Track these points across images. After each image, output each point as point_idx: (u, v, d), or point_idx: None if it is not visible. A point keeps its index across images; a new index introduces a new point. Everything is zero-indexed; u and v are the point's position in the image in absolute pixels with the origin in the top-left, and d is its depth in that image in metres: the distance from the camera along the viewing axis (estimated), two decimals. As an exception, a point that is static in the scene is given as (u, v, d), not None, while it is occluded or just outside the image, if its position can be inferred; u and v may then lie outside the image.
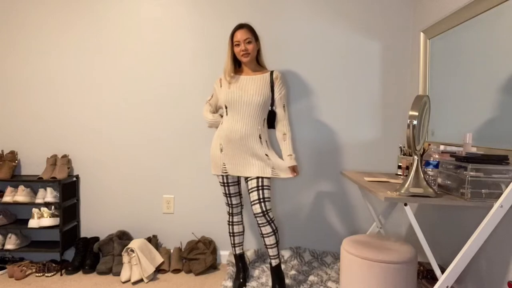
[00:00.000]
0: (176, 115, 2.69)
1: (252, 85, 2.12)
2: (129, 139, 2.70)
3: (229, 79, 2.16)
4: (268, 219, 2.08)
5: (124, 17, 2.65)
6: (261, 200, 2.07)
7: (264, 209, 2.07)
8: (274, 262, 2.15)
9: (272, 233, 2.10)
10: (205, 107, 2.30)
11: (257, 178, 2.10)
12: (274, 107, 2.19)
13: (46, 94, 2.68)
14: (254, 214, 2.09)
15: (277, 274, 2.16)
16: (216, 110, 2.31)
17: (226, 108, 2.15)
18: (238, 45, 2.10)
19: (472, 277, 1.88)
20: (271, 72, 2.17)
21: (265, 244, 2.13)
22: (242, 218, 2.34)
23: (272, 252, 2.13)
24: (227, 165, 2.16)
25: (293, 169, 2.17)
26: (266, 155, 2.12)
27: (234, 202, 2.27)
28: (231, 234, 2.32)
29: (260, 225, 2.10)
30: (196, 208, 2.73)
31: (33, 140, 2.69)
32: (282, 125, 2.19)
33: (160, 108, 2.68)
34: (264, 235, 2.11)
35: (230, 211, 2.30)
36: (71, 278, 2.41)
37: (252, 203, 2.10)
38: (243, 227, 2.35)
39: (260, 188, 2.09)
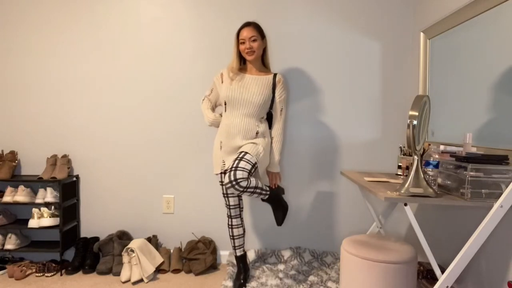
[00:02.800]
0: (176, 115, 2.68)
1: (255, 85, 2.12)
2: (129, 139, 2.70)
3: (232, 76, 2.15)
4: (240, 189, 1.93)
5: (124, 17, 2.65)
6: (233, 168, 1.94)
7: (232, 178, 1.91)
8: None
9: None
10: (204, 104, 2.28)
11: (240, 152, 2.05)
12: (272, 110, 2.20)
13: (46, 94, 2.68)
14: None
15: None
16: (215, 105, 2.30)
17: (225, 104, 2.15)
18: (243, 43, 2.10)
19: (472, 277, 1.88)
20: (274, 75, 2.18)
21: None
22: (242, 221, 2.32)
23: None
24: (226, 161, 2.16)
25: (272, 175, 2.19)
26: (258, 143, 2.10)
27: (231, 202, 2.25)
28: (231, 237, 2.31)
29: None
30: (196, 208, 2.72)
31: (33, 140, 2.69)
32: (275, 129, 2.20)
33: (160, 108, 2.68)
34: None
35: (229, 213, 2.28)
36: (71, 278, 2.41)
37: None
38: (244, 229, 2.34)
39: (238, 159, 1.99)
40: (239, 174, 1.92)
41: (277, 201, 2.17)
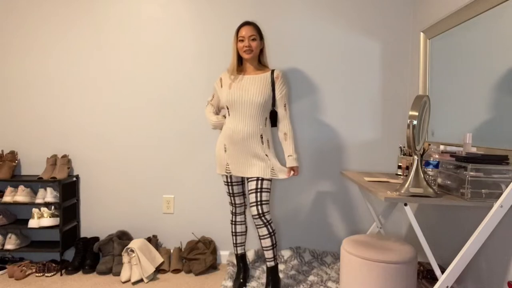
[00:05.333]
0: (176, 115, 2.68)
1: (253, 85, 2.12)
2: (129, 139, 2.70)
3: (233, 78, 2.15)
4: (265, 221, 2.08)
5: (124, 17, 2.65)
6: (259, 202, 2.08)
7: (260, 211, 2.07)
8: (269, 265, 2.15)
9: (268, 235, 2.10)
10: (207, 109, 2.30)
11: (257, 180, 2.10)
12: (275, 107, 2.18)
13: (46, 94, 2.68)
14: (252, 215, 2.11)
15: (272, 276, 2.16)
16: (218, 110, 2.31)
17: (228, 108, 2.15)
18: (242, 40, 2.10)
19: (472, 277, 1.88)
20: (272, 71, 2.16)
21: (262, 246, 2.14)
22: (245, 218, 2.33)
23: (268, 254, 2.13)
24: (230, 165, 2.16)
25: (292, 169, 2.16)
26: (266, 155, 2.12)
27: (237, 201, 2.27)
28: (233, 234, 2.32)
29: (257, 227, 2.11)
30: (196, 208, 2.73)
31: (33, 140, 2.69)
32: (283, 125, 2.18)
33: (160, 108, 2.68)
34: (261, 237, 2.11)
35: (233, 211, 2.30)
36: (71, 278, 2.41)
37: (250, 205, 2.11)
38: (246, 227, 2.35)
39: (258, 190, 2.09)
40: (265, 208, 2.10)
41: (275, 281, 2.17)
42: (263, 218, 2.08)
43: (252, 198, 2.10)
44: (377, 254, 1.81)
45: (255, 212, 2.08)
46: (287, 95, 2.20)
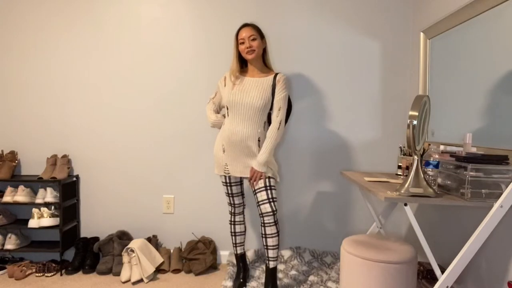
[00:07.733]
0: (176, 116, 2.68)
1: (255, 88, 2.11)
2: (130, 139, 2.70)
3: (234, 80, 2.15)
4: (276, 219, 2.09)
5: (124, 17, 2.65)
6: (270, 200, 2.08)
7: (274, 208, 2.07)
8: (272, 264, 2.15)
9: (276, 234, 2.10)
10: (208, 106, 2.29)
11: (264, 178, 2.10)
12: (271, 110, 2.17)
13: (46, 94, 2.68)
14: (263, 213, 2.07)
15: (271, 276, 2.16)
16: (219, 108, 2.30)
17: (227, 108, 2.15)
18: (243, 43, 2.09)
19: (472, 277, 1.88)
20: (276, 75, 2.13)
21: (267, 245, 2.12)
22: (244, 218, 2.34)
23: (272, 253, 2.13)
24: (229, 166, 2.16)
25: (256, 174, 2.07)
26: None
27: (236, 202, 2.27)
28: (233, 234, 2.32)
29: (266, 225, 2.09)
30: (196, 208, 2.73)
31: (33, 140, 2.69)
32: (270, 127, 2.11)
33: (160, 108, 2.68)
34: (268, 236, 2.10)
35: (232, 211, 2.30)
36: (71, 278, 2.41)
37: (261, 202, 2.08)
38: (245, 227, 2.35)
39: (268, 188, 2.09)
40: (276, 205, 2.11)
41: (274, 282, 2.17)
42: (275, 216, 2.08)
43: (263, 196, 2.08)
44: (377, 254, 1.81)
45: (269, 209, 2.07)
46: (285, 99, 2.12)
